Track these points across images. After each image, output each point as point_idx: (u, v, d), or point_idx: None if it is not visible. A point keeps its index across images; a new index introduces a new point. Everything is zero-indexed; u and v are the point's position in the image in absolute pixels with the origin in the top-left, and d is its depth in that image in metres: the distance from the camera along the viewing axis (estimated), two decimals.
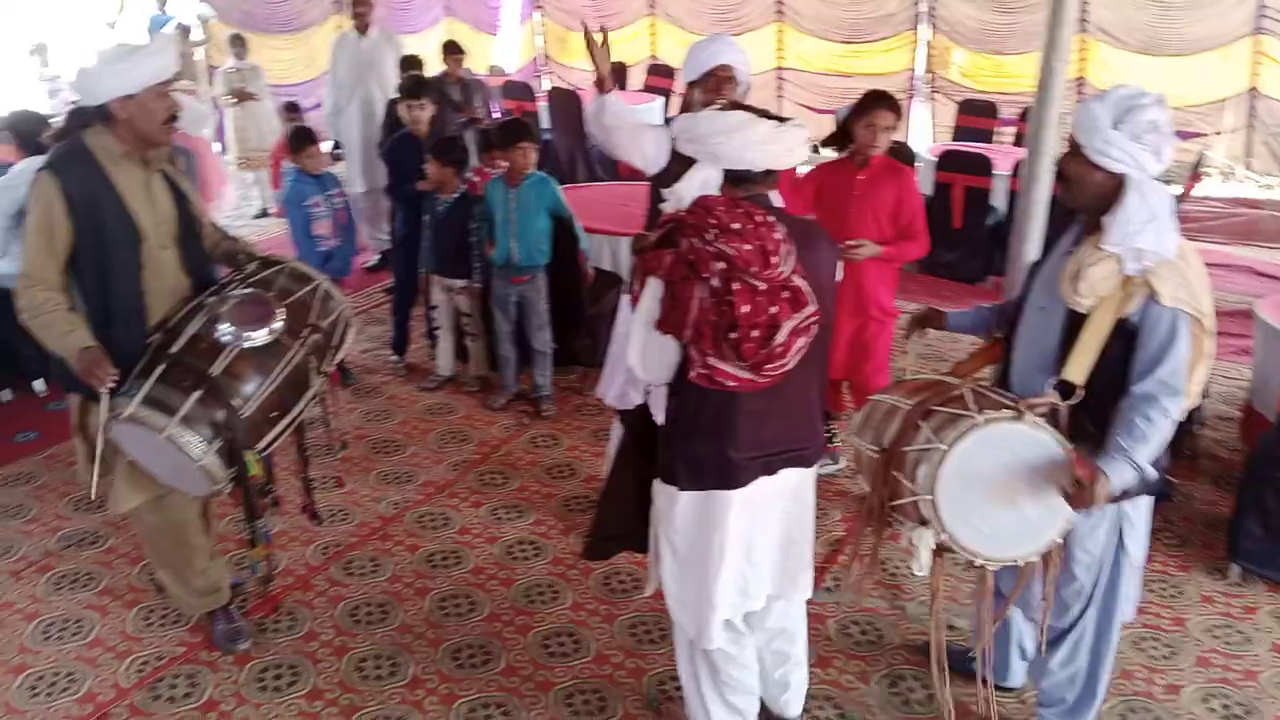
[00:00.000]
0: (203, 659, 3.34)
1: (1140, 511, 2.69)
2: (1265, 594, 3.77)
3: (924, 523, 2.53)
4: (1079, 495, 2.40)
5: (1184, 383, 2.45)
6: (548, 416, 5.15)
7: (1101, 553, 2.69)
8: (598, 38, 3.54)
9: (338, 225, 5.22)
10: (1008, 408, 2.46)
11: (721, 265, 2.28)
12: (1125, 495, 2.54)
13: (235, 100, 8.68)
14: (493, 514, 4.26)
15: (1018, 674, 3.17)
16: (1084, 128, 2.46)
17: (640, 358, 2.49)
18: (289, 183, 5.24)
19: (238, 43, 8.81)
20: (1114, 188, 2.45)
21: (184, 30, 9.45)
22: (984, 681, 2.74)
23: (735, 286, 2.27)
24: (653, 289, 2.41)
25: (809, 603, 2.94)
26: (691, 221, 2.34)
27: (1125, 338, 2.46)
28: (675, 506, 2.59)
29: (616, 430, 4.20)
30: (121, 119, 2.89)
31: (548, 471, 4.64)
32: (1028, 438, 2.44)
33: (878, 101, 3.93)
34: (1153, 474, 2.49)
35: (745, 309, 2.27)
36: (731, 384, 2.34)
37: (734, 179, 2.50)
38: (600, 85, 3.54)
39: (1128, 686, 3.26)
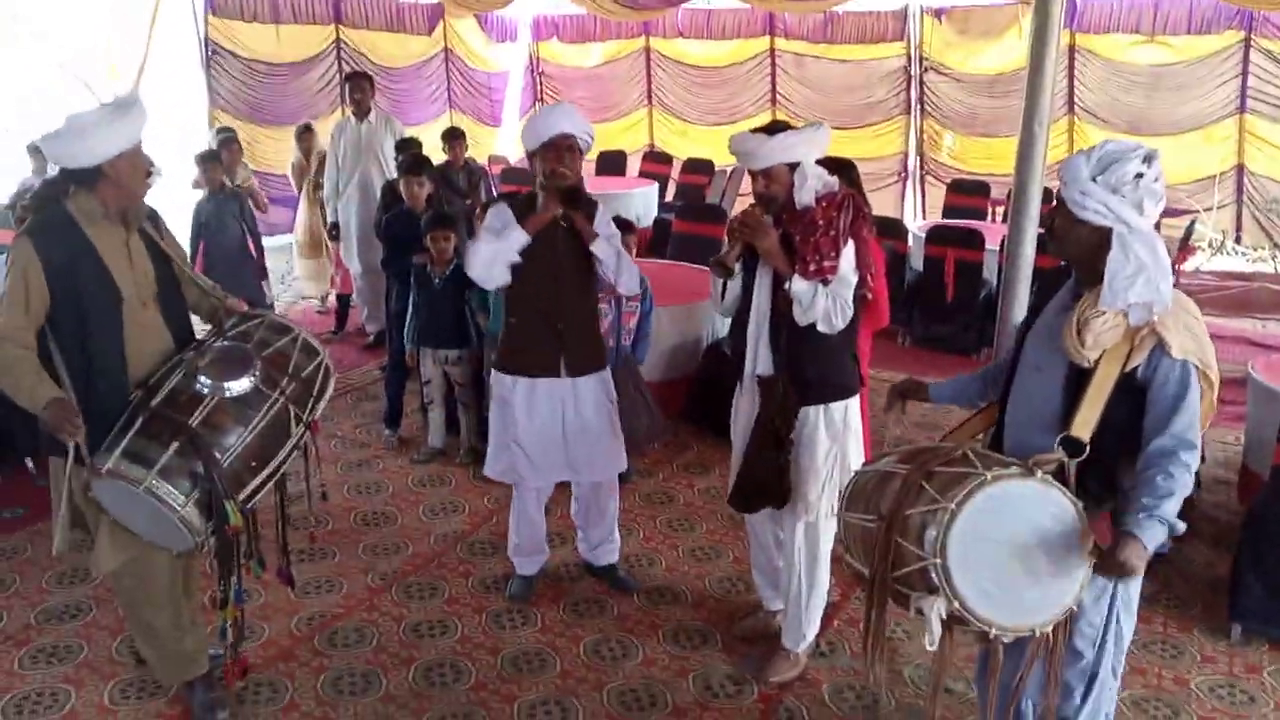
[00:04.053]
0: None
1: (1135, 586, 2.58)
2: (1268, 653, 3.69)
3: (933, 590, 2.36)
4: (1108, 563, 2.31)
5: (1198, 436, 2.38)
6: None
7: (1102, 626, 2.57)
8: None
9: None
10: (1015, 465, 2.37)
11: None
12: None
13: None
14: (482, 584, 4.20)
15: None
16: (1066, 179, 2.45)
17: (845, 311, 3.18)
18: None
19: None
20: (1099, 242, 2.40)
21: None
22: None
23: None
24: (849, 251, 3.18)
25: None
26: (858, 202, 3.25)
27: (1131, 391, 2.39)
28: (855, 407, 3.44)
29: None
30: (111, 177, 2.93)
31: None
32: (1039, 495, 2.33)
33: None
34: (1181, 528, 2.35)
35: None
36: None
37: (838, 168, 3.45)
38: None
39: None
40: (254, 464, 2.98)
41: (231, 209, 6.49)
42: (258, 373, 2.98)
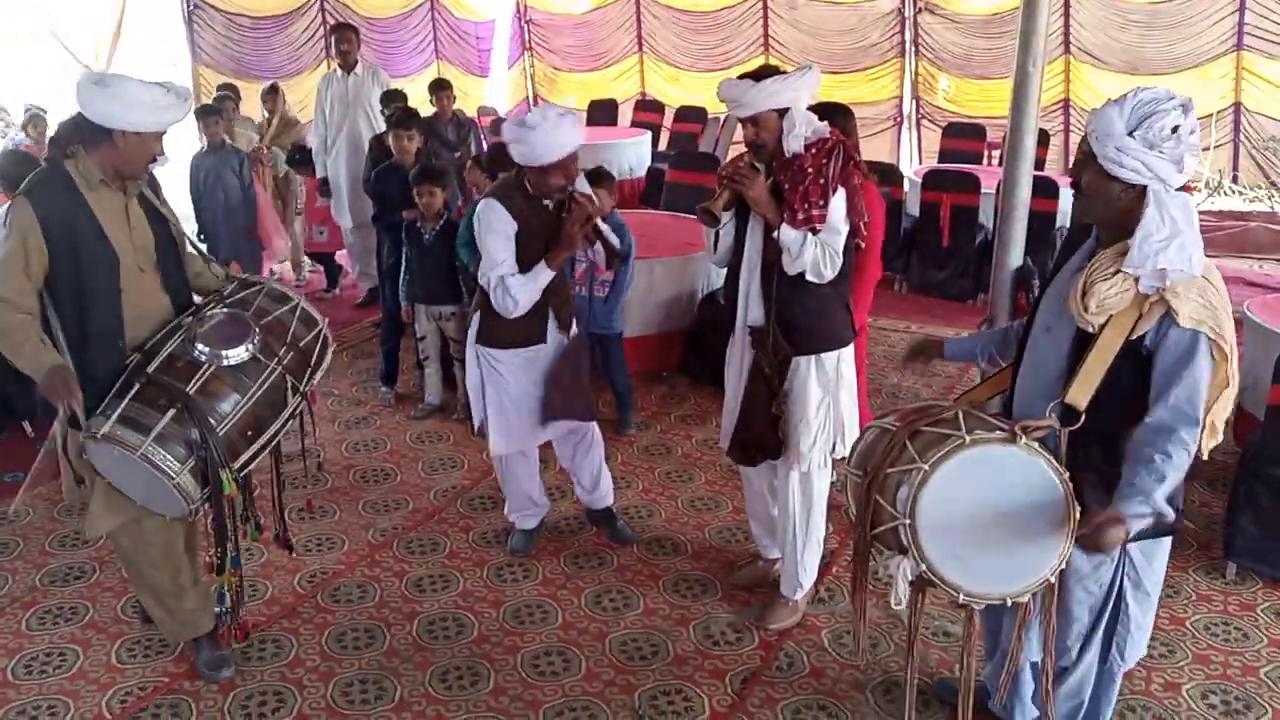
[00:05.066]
0: (186, 689, 3.29)
1: (1148, 557, 2.51)
2: (1262, 590, 3.75)
3: (903, 550, 2.36)
4: (1090, 541, 2.24)
5: (1200, 410, 2.27)
6: None
7: (1104, 593, 2.53)
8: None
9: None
10: (1001, 429, 2.32)
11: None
12: (1140, 537, 2.36)
13: None
14: (482, 538, 4.22)
15: (1028, 711, 2.95)
16: (1098, 134, 2.28)
17: (834, 260, 3.16)
18: None
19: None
20: (1132, 201, 2.28)
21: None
22: None
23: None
24: (840, 199, 3.13)
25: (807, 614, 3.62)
26: (849, 149, 3.18)
27: (1136, 360, 2.30)
28: (847, 357, 3.41)
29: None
30: (119, 147, 2.89)
31: None
32: (1020, 462, 2.28)
33: None
34: (1170, 514, 2.31)
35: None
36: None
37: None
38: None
39: (1126, 686, 3.18)
40: (249, 433, 2.98)
41: (231, 164, 6.46)
42: (256, 341, 2.97)
